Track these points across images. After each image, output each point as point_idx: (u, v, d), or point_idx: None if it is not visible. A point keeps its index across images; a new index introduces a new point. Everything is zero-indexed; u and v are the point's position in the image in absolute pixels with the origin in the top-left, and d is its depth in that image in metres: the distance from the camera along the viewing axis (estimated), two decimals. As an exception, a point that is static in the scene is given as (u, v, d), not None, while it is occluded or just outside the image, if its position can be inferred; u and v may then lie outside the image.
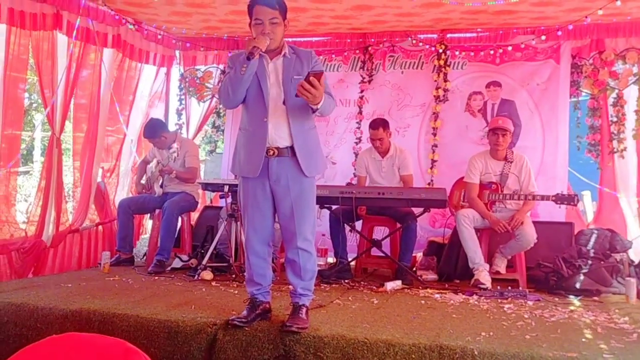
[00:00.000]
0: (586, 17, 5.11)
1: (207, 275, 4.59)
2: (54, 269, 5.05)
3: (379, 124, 5.14)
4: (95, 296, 3.73)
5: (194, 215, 5.99)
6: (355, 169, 5.97)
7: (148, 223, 6.11)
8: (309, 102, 2.94)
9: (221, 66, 6.75)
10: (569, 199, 4.58)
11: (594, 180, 5.72)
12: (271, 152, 3.09)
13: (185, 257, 5.13)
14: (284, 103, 3.07)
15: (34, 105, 9.68)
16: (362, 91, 6.28)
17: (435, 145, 5.99)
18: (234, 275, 4.59)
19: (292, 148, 3.10)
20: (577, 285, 4.37)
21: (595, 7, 4.88)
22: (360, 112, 6.27)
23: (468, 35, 5.97)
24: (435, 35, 5.99)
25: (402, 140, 5.94)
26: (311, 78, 2.86)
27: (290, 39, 3.23)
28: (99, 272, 4.84)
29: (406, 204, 4.76)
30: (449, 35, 5.96)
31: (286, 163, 3.11)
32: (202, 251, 4.98)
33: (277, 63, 3.13)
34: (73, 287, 4.06)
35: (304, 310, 3.16)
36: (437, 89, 5.99)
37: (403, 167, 5.12)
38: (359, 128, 6.24)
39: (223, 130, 6.79)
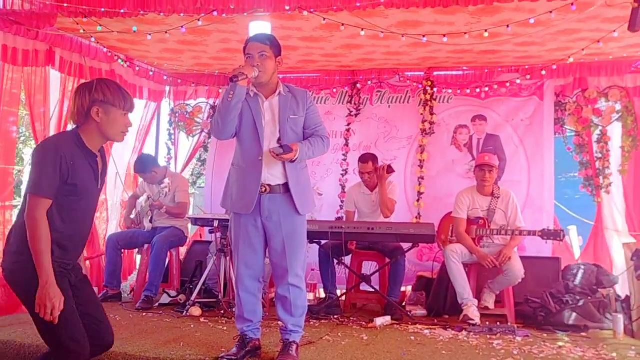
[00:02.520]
0: (569, 57, 5.24)
1: (196, 311, 4.56)
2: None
3: (369, 158, 5.20)
4: (83, 333, 3.68)
5: (183, 250, 5.96)
6: (342, 201, 6.02)
7: (137, 258, 6.07)
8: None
9: (211, 101, 6.81)
10: (555, 235, 4.63)
11: (580, 215, 5.80)
12: (263, 189, 3.11)
13: (173, 293, 5.08)
14: (279, 141, 3.11)
15: (22, 138, 9.66)
16: (349, 124, 6.36)
17: (422, 178, 6.04)
18: (223, 312, 4.56)
19: (284, 185, 3.13)
20: (565, 321, 4.40)
21: (577, 48, 5.01)
22: (347, 145, 6.34)
23: (454, 73, 6.09)
24: (422, 73, 6.10)
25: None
26: (275, 156, 3.02)
27: (280, 76, 3.27)
28: (87, 308, 4.78)
29: (395, 239, 4.79)
30: (435, 73, 6.08)
31: (278, 200, 3.13)
32: (191, 287, 4.96)
33: (272, 102, 3.17)
34: (60, 323, 4.01)
35: (294, 347, 3.15)
36: (423, 122, 6.07)
37: (390, 193, 5.13)
38: (345, 160, 6.30)
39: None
